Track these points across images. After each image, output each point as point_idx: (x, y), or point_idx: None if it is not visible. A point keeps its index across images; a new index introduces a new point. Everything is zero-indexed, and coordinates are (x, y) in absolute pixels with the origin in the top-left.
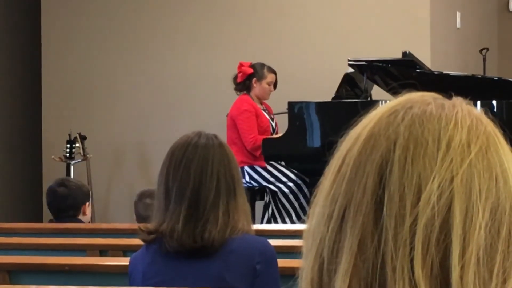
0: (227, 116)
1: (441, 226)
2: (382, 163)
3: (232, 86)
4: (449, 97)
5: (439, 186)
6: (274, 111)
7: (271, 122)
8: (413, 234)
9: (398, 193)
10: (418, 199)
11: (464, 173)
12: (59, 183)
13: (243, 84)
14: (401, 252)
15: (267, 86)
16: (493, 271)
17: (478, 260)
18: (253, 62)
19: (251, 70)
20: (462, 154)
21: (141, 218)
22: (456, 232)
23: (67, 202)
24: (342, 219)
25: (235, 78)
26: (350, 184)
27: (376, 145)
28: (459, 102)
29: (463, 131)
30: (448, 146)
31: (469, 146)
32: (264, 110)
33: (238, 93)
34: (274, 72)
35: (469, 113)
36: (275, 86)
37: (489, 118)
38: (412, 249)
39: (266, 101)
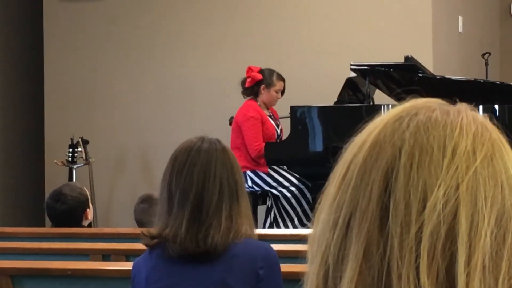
0: (229, 120)
1: (447, 233)
2: (388, 170)
3: (234, 90)
4: (454, 103)
5: (444, 193)
6: (279, 117)
7: (277, 128)
8: (418, 242)
9: (404, 200)
10: (424, 206)
11: (470, 180)
12: (55, 199)
13: (251, 89)
14: (407, 260)
15: (275, 93)
16: (498, 278)
17: (484, 267)
18: (256, 65)
19: (260, 77)
20: (467, 161)
21: (138, 223)
22: (462, 239)
23: (67, 217)
24: (348, 226)
25: (243, 82)
26: (355, 191)
27: (382, 152)
28: (464, 109)
29: (468, 138)
30: (454, 153)
31: (474, 153)
32: (270, 116)
33: (245, 96)
34: (283, 80)
35: (474, 119)
36: (282, 93)
37: (494, 124)
38: (417, 256)
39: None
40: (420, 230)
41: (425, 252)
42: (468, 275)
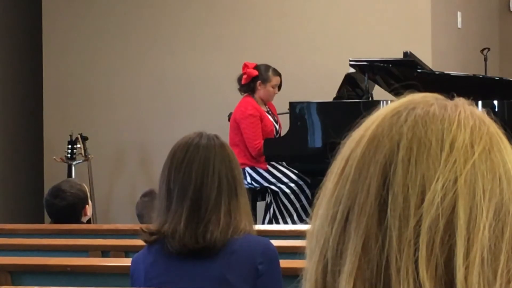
0: (228, 117)
1: (445, 226)
2: (386, 164)
3: (233, 86)
4: (451, 97)
5: (443, 186)
6: (277, 112)
7: (275, 124)
8: (417, 235)
9: (402, 194)
10: (422, 200)
11: (468, 174)
12: (54, 195)
13: (248, 86)
14: (406, 253)
15: (271, 89)
16: (497, 271)
17: (482, 260)
18: (255, 62)
19: (256, 73)
20: (465, 154)
21: (139, 217)
22: (460, 233)
23: (66, 213)
24: (346, 220)
25: (240, 79)
26: (353, 185)
27: (380, 146)
28: (461, 103)
29: (466, 132)
30: (452, 146)
31: (472, 146)
32: (268, 112)
33: (242, 93)
34: (279, 75)
35: (472, 113)
36: (279, 88)
37: (492, 118)
38: (416, 250)
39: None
40: (418, 223)
41: (423, 245)
42: (466, 268)
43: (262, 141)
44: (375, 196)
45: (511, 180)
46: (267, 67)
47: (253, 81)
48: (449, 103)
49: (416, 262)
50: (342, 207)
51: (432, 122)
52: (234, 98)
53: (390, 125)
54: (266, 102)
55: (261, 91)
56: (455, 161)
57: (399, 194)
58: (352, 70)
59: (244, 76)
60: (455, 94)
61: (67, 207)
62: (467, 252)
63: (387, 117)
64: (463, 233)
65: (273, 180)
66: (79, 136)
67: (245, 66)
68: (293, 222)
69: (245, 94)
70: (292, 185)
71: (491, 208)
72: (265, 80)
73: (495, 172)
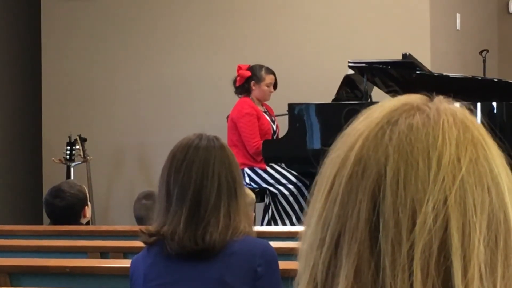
0: (227, 118)
1: (440, 248)
2: (375, 189)
3: (232, 87)
4: (431, 96)
5: (433, 208)
6: (274, 113)
7: (272, 124)
8: (411, 259)
9: (393, 218)
10: (414, 223)
11: (457, 191)
12: (53, 195)
13: (242, 87)
14: (400, 279)
15: (266, 88)
16: (496, 284)
17: (481, 276)
18: (253, 64)
19: (249, 73)
20: (453, 171)
21: (139, 220)
22: (455, 252)
23: (66, 213)
24: (336, 245)
25: (234, 81)
26: (342, 209)
27: (367, 169)
28: (443, 107)
29: (451, 146)
30: (439, 164)
31: (459, 160)
32: (265, 112)
33: (239, 95)
34: (273, 73)
35: (455, 120)
36: (275, 87)
37: (472, 114)
38: (411, 274)
39: (267, 102)
40: (411, 247)
41: (418, 269)
42: (466, 286)
43: (260, 140)
44: (366, 222)
45: (499, 187)
46: (260, 66)
47: (247, 82)
48: (431, 109)
49: (411, 286)
50: (331, 231)
51: (417, 140)
52: (234, 98)
53: (375, 145)
54: (262, 102)
55: (256, 91)
56: (443, 179)
57: (390, 219)
58: (351, 71)
59: (238, 78)
60: (434, 93)
61: (67, 208)
62: (465, 270)
63: (371, 135)
64: (458, 251)
65: (271, 181)
66: (77, 137)
67: (239, 68)
68: (292, 224)
69: (242, 95)
70: (291, 186)
71: (483, 221)
72: (258, 80)
73: (483, 184)
